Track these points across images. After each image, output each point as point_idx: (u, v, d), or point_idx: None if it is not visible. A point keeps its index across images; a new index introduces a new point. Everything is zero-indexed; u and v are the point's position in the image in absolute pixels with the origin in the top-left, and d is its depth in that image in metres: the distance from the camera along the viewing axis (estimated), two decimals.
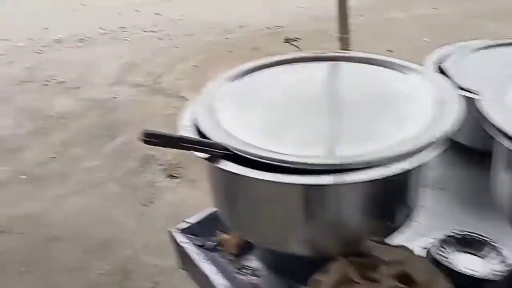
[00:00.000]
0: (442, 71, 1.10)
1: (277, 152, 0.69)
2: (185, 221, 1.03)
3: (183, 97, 3.84)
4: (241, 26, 5.53)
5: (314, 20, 5.37)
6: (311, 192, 0.69)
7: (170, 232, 1.01)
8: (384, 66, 0.95)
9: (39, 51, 5.59)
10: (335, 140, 0.77)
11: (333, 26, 5.10)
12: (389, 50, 4.15)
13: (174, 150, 3.07)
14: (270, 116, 0.84)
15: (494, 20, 4.61)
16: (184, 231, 1.01)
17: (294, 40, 4.77)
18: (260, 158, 0.68)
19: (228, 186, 0.80)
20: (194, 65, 4.49)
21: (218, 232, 1.00)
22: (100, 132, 3.40)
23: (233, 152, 0.71)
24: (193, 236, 1.00)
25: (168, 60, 4.73)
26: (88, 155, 3.10)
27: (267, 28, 5.31)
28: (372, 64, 0.96)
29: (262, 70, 1.01)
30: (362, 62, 0.97)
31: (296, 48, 4.58)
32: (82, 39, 5.83)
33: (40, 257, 2.20)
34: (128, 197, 2.61)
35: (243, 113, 0.87)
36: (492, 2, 5.26)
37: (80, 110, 3.84)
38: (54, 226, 2.40)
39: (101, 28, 6.19)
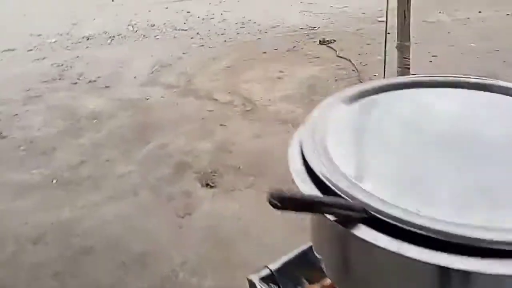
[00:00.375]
0: None
1: (433, 219, 0.53)
2: (267, 267, 0.88)
3: (216, 99, 3.70)
4: (274, 27, 5.36)
5: (350, 21, 5.18)
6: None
7: (250, 281, 0.87)
8: None
9: (68, 48, 5.55)
10: (493, 201, 0.60)
11: (370, 27, 4.92)
12: (434, 55, 3.94)
13: (209, 157, 2.97)
14: (397, 160, 0.68)
15: None
16: (265, 279, 0.86)
17: (330, 42, 4.59)
18: (418, 229, 0.52)
19: (357, 255, 0.64)
20: (227, 66, 4.35)
21: (303, 280, 0.85)
22: (132, 135, 3.29)
23: (372, 215, 0.56)
24: (275, 286, 0.85)
25: (200, 60, 4.60)
26: (121, 160, 3.00)
27: (301, 29, 5.14)
28: (504, 93, 0.79)
29: (372, 95, 0.85)
30: (490, 91, 0.80)
31: (333, 51, 4.40)
32: (112, 36, 5.76)
33: (73, 270, 2.09)
34: (164, 207, 2.48)
35: (363, 155, 0.71)
36: None
37: (111, 110, 3.74)
38: (87, 237, 2.29)
39: (131, 25, 6.11)
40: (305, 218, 2.28)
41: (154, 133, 3.28)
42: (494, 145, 0.69)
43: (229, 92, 3.79)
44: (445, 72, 3.71)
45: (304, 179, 0.66)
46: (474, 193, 0.60)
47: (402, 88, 0.86)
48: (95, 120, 3.60)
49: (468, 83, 0.85)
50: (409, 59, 2.18)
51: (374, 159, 0.69)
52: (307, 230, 2.15)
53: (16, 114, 3.85)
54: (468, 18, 4.91)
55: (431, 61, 3.89)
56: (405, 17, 2.06)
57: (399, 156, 0.69)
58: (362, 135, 0.75)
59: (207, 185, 2.64)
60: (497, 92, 0.82)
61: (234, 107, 3.56)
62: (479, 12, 5.05)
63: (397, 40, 2.18)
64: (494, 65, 3.65)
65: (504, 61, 3.72)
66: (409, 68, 2.18)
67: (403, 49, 2.14)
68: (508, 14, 4.87)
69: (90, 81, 4.44)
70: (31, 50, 5.57)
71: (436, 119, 0.75)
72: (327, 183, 0.63)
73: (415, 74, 0.93)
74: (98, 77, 4.50)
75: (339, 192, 0.61)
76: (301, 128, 0.78)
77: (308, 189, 0.65)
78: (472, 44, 4.14)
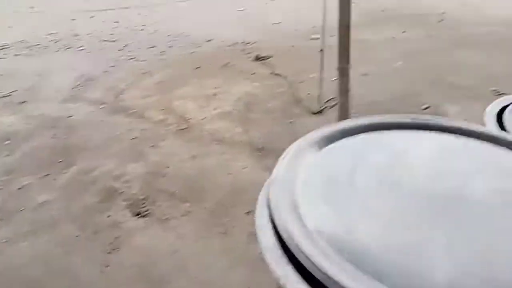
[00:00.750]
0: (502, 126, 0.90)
1: None
2: None
3: (148, 117, 3.47)
4: (208, 40, 5.22)
5: (285, 38, 5.17)
6: None
7: None
8: (499, 144, 0.70)
9: None
10: (492, 269, 0.50)
11: (304, 44, 4.94)
12: (363, 74, 4.01)
13: (140, 182, 2.74)
14: (381, 226, 0.56)
15: (459, 48, 4.60)
16: None
17: (265, 58, 4.53)
18: None
19: None
20: (159, 81, 4.13)
21: None
22: (52, 158, 2.97)
23: None
24: None
25: (129, 74, 4.33)
26: (37, 187, 2.67)
27: (235, 43, 5.04)
28: (483, 140, 0.71)
29: (343, 139, 0.73)
30: (470, 136, 0.72)
31: (268, 67, 4.34)
32: (30, 46, 5.30)
33: None
34: (89, 241, 2.22)
35: (342, 220, 0.58)
36: (455, 31, 5.29)
37: (27, 130, 3.37)
38: None
39: (53, 35, 5.67)
40: (247, 249, 2.13)
41: (78, 155, 2.98)
42: (482, 205, 0.59)
43: (162, 110, 3.57)
44: (375, 91, 3.77)
45: (279, 261, 0.52)
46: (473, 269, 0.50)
47: (368, 131, 0.75)
48: (8, 141, 3.21)
49: (435, 125, 0.76)
50: (349, 81, 2.14)
51: (356, 226, 0.57)
52: (249, 262, 1.99)
53: None
54: (394, 37, 5.09)
55: (362, 80, 3.95)
56: (345, 39, 2.01)
57: (381, 220, 0.57)
58: (338, 193, 0.63)
59: (138, 214, 2.41)
60: (466, 135, 0.74)
61: (167, 126, 3.35)
62: (403, 32, 5.26)
63: (338, 63, 2.13)
64: (419, 84, 3.78)
65: (428, 80, 3.87)
66: (348, 91, 2.14)
67: (344, 72, 2.10)
68: (430, 36, 5.13)
69: (3, 96, 4.01)
70: None
71: (413, 171, 0.65)
72: (311, 266, 0.49)
73: (372, 116, 0.83)
74: (13, 91, 4.08)
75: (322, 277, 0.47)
76: (270, 183, 0.64)
77: (284, 273, 0.51)
78: (398, 63, 4.27)
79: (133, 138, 3.17)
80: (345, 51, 2.03)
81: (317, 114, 3.25)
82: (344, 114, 2.28)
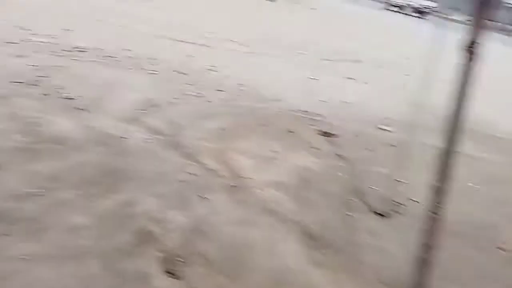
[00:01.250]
0: None
1: None
2: None
3: (201, 162, 3.29)
4: (277, 100, 5.12)
5: (355, 120, 4.99)
6: None
7: None
8: None
9: (57, 54, 5.08)
10: None
11: (374, 133, 4.71)
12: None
13: (179, 234, 2.50)
14: None
15: None
16: None
17: (331, 135, 4.35)
18: None
19: None
20: (221, 128, 3.99)
21: None
22: (97, 177, 2.80)
23: None
24: None
25: (193, 111, 4.24)
26: (77, 206, 2.49)
27: (304, 111, 4.90)
28: None
29: None
30: None
31: (333, 146, 4.15)
32: (106, 56, 5.36)
33: None
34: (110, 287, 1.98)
35: None
36: None
37: (81, 140, 3.25)
38: None
39: (130, 52, 5.74)
40: None
41: (123, 183, 2.81)
42: None
43: (217, 159, 3.40)
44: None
45: None
46: None
47: None
48: (60, 146, 3.09)
49: None
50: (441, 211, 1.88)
51: None
52: None
53: None
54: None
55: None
56: (449, 158, 1.78)
57: None
58: None
59: (170, 273, 2.16)
60: None
61: (219, 177, 3.15)
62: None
63: (434, 180, 1.88)
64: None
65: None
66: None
67: (439, 192, 1.85)
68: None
69: (67, 97, 3.96)
70: (11, 42, 5.06)
71: None
72: None
73: None
74: (78, 96, 4.04)
75: None
76: None
77: None
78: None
79: (182, 181, 2.98)
80: (445, 169, 1.80)
81: (381, 216, 2.98)
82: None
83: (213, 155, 3.44)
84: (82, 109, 3.79)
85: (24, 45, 5.00)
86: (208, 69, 5.78)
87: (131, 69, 5.19)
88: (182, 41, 7.02)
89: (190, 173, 3.11)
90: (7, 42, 4.90)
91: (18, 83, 3.98)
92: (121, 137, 3.45)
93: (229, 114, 4.43)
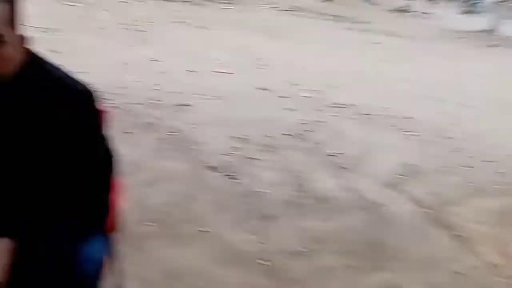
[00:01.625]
0: None
1: None
2: None
3: (477, 253, 2.76)
4: None
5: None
6: None
7: None
8: None
9: (318, 109, 5.32)
10: None
11: None
12: None
13: None
14: None
15: None
16: None
17: None
18: None
19: None
20: (498, 210, 3.35)
21: None
22: (362, 248, 2.63)
23: None
24: None
25: (462, 184, 3.71)
26: (341, 277, 2.35)
27: None
28: None
29: None
30: None
31: None
32: (363, 114, 5.34)
33: None
34: None
35: None
36: None
37: (344, 201, 3.17)
38: None
39: (386, 109, 5.59)
40: None
41: (388, 261, 2.55)
42: None
43: (497, 251, 2.81)
44: None
45: None
46: None
47: None
48: (324, 206, 3.07)
49: None
50: None
51: None
52: None
53: (250, 157, 3.65)
54: None
55: None
56: None
57: None
58: None
59: None
60: None
61: (498, 277, 2.57)
62: None
63: None
64: None
65: None
66: None
67: None
68: None
69: (328, 154, 4.01)
70: (283, 97, 5.55)
71: None
72: None
73: None
74: (339, 153, 4.05)
75: None
76: None
77: None
78: None
79: (457, 273, 2.52)
80: None
81: None
82: None
83: (491, 245, 2.86)
84: (344, 168, 3.76)
85: (294, 99, 5.41)
86: (475, 134, 5.11)
87: (385, 129, 5.01)
88: (444, 100, 6.50)
89: (465, 265, 2.62)
90: (280, 96, 5.39)
91: (288, 135, 4.26)
92: (382, 205, 3.23)
93: (502, 191, 3.72)
